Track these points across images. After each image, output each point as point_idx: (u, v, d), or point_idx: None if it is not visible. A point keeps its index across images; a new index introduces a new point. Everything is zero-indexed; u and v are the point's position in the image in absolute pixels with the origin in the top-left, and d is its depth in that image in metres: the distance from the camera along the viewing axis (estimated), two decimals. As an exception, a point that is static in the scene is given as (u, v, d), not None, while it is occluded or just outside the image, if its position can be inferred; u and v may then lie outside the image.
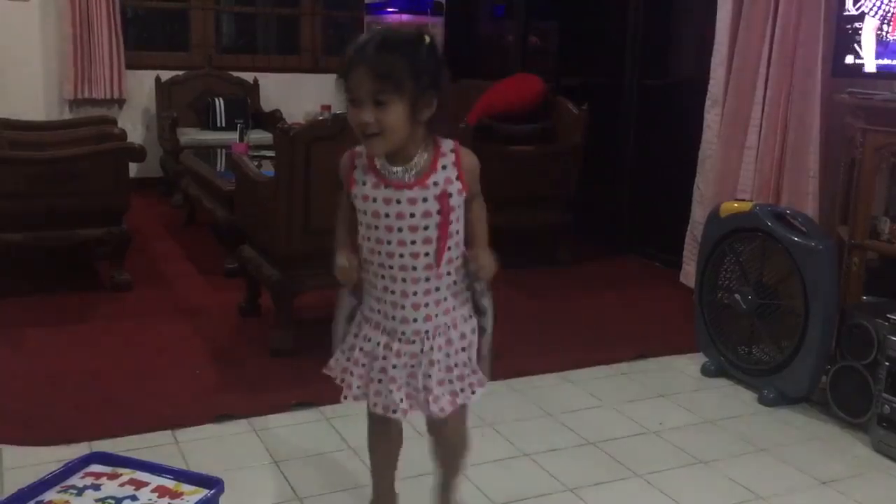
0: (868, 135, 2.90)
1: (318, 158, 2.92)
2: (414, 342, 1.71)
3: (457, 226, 1.68)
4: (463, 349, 1.73)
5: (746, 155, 3.63)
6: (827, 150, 3.36)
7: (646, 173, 4.76)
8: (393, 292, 1.69)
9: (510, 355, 3.14)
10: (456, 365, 1.72)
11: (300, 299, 3.13)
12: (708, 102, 3.86)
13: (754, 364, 2.93)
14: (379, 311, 1.74)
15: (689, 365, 3.14)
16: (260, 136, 5.34)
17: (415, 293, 1.68)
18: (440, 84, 1.58)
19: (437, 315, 1.70)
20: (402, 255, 1.66)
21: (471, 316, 1.75)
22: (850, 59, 3.03)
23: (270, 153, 3.81)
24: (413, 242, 1.65)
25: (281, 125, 3.17)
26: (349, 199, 1.70)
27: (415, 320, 1.70)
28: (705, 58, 3.85)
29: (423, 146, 1.64)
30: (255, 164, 3.74)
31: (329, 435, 2.51)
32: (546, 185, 4.39)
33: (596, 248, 4.78)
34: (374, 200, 1.65)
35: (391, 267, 1.67)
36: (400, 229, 1.64)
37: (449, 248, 1.67)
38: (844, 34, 3.02)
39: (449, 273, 1.70)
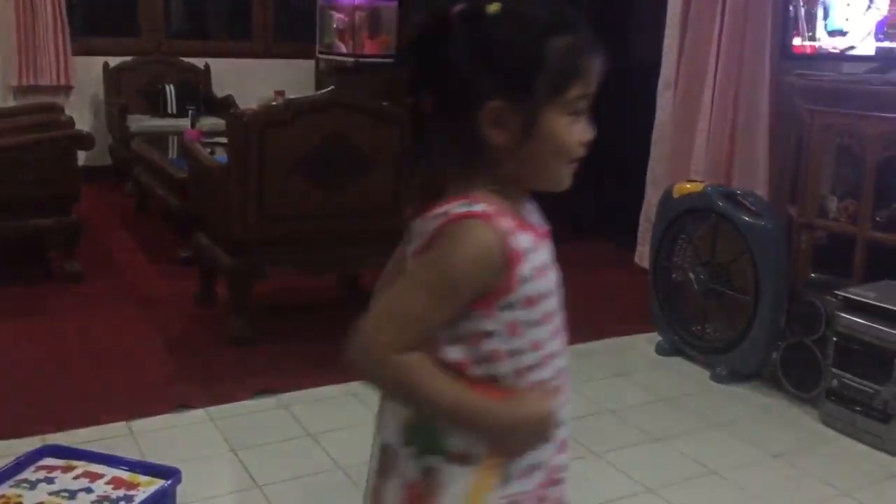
0: (816, 115, 2.96)
1: (271, 144, 2.89)
2: None
3: None
4: None
5: (698, 137, 3.68)
6: (776, 131, 3.42)
7: (601, 156, 4.78)
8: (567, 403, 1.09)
9: (468, 339, 3.16)
10: None
11: (256, 287, 3.10)
12: (661, 85, 3.90)
13: (707, 342, 2.98)
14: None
15: (644, 344, 3.19)
16: (212, 122, 5.26)
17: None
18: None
19: None
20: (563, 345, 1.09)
21: None
22: (797, 42, 3.08)
23: (223, 140, 3.76)
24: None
25: (234, 111, 3.14)
26: (506, 300, 0.99)
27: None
28: (659, 41, 3.88)
29: None
30: (208, 150, 3.69)
31: (288, 423, 2.50)
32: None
33: (554, 231, 4.80)
34: (548, 267, 1.09)
35: (563, 370, 1.08)
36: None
37: None
38: (791, 17, 3.07)
39: None
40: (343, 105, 3.05)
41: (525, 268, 0.99)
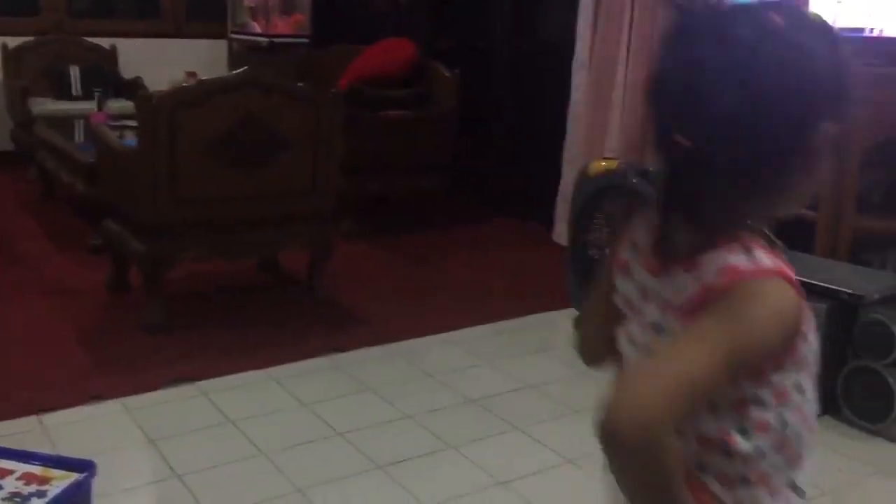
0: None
1: (183, 126, 2.82)
2: None
3: None
4: None
5: (613, 115, 3.74)
6: (686, 109, 3.50)
7: (519, 135, 4.83)
8: None
9: (390, 320, 3.16)
10: None
11: (171, 272, 3.02)
12: (575, 64, 3.95)
13: (624, 316, 3.05)
14: None
15: (563, 320, 3.24)
16: (121, 104, 5.08)
17: None
18: None
19: None
20: None
21: None
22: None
23: (133, 122, 3.64)
24: None
25: (142, 92, 3.05)
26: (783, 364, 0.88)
27: None
28: (573, 21, 3.93)
29: None
30: (117, 134, 3.57)
31: (208, 410, 2.45)
32: (421, 150, 4.39)
33: (472, 211, 4.83)
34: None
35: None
36: None
37: None
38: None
39: None
40: (257, 85, 2.99)
41: (810, 327, 0.88)
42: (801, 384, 0.90)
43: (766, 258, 0.85)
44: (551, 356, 2.94)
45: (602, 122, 3.79)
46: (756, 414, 0.88)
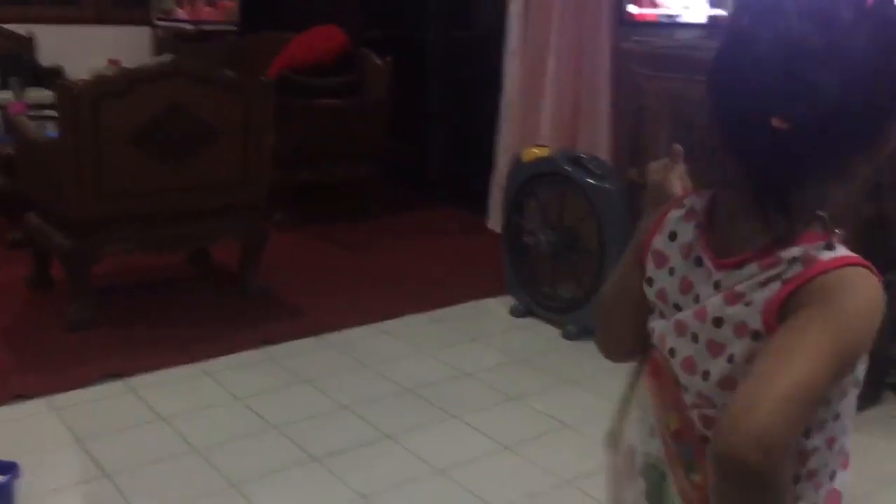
0: (652, 81, 3.09)
1: (106, 116, 2.73)
2: None
3: None
4: None
5: (545, 103, 3.76)
6: (617, 97, 3.55)
7: (453, 124, 4.83)
8: None
9: (324, 310, 3.13)
10: None
11: (97, 266, 2.94)
12: (506, 53, 3.96)
13: (558, 302, 3.09)
14: None
15: (499, 307, 3.26)
16: (40, 94, 4.91)
17: None
18: None
19: None
20: None
21: None
22: (633, 9, 3.20)
23: (53, 112, 3.52)
24: None
25: (63, 81, 2.95)
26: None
27: None
28: (506, 9, 3.93)
29: None
30: (36, 124, 3.44)
31: (137, 406, 2.39)
32: (353, 139, 4.35)
33: (407, 200, 4.82)
34: None
35: None
36: None
37: None
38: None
39: None
40: (183, 74, 2.92)
41: None
42: (859, 378, 0.86)
43: (845, 250, 0.82)
44: (487, 344, 2.95)
45: (534, 110, 3.81)
46: (820, 411, 0.84)
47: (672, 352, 0.90)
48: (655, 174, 1.03)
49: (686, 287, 0.89)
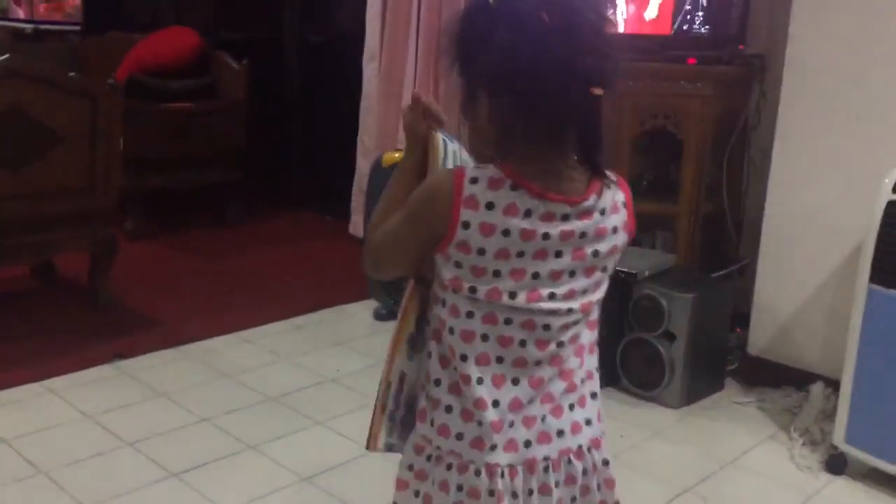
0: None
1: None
2: None
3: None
4: None
5: (404, 106, 3.79)
6: (473, 101, 3.62)
7: (312, 128, 4.78)
8: None
9: (181, 321, 3.03)
10: None
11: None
12: (366, 56, 3.96)
13: (421, 304, 3.11)
14: None
15: (362, 312, 3.25)
16: None
17: None
18: (498, 79, 1.02)
19: None
20: None
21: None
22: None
23: None
24: None
25: None
26: None
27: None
28: (362, 12, 3.93)
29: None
30: None
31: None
32: (209, 143, 4.23)
33: (267, 206, 4.73)
34: None
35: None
36: None
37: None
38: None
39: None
40: (22, 75, 2.75)
41: None
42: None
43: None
44: (350, 348, 2.94)
45: (394, 114, 3.83)
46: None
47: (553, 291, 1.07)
48: (406, 118, 1.16)
49: (528, 235, 1.02)
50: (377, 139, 3.90)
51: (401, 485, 1.16)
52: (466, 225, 1.01)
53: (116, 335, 2.86)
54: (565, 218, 1.03)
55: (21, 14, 5.28)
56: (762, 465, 2.28)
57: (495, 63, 1.00)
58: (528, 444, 1.08)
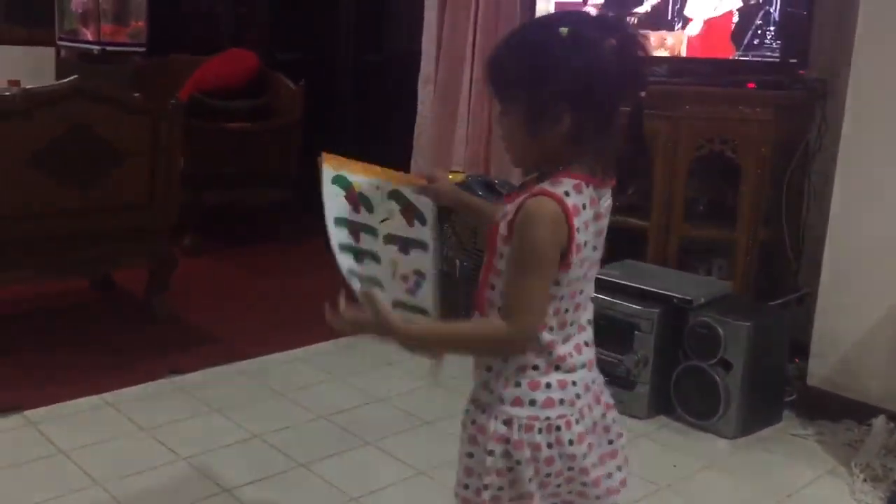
0: (561, 109, 3.17)
1: (5, 137, 2.63)
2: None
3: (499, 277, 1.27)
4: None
5: (458, 129, 3.81)
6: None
7: (366, 149, 4.81)
8: None
9: (235, 338, 3.06)
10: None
11: (-7, 295, 2.81)
12: (421, 79, 4.00)
13: (472, 326, 3.10)
14: None
15: (413, 332, 3.25)
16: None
17: None
18: (577, 93, 1.16)
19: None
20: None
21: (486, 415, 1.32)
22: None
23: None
24: None
25: (-44, 101, 2.82)
26: None
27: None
28: (417, 33, 3.97)
29: (537, 176, 1.26)
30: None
31: (36, 441, 2.28)
32: (265, 162, 4.31)
33: (319, 224, 4.77)
34: None
35: None
36: None
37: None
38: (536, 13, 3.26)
39: None
40: (88, 95, 2.83)
41: None
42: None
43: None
44: (399, 369, 2.94)
45: (448, 135, 3.85)
46: None
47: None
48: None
49: (598, 217, 1.25)
50: (431, 161, 3.92)
51: None
52: (578, 230, 1.19)
53: (172, 350, 2.91)
54: (602, 199, 1.25)
55: (89, 36, 5.44)
56: (820, 501, 2.21)
57: (579, 83, 1.15)
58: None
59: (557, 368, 1.26)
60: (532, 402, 1.26)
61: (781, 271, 2.96)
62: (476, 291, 1.33)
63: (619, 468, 1.36)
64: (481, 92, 3.68)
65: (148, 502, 2.03)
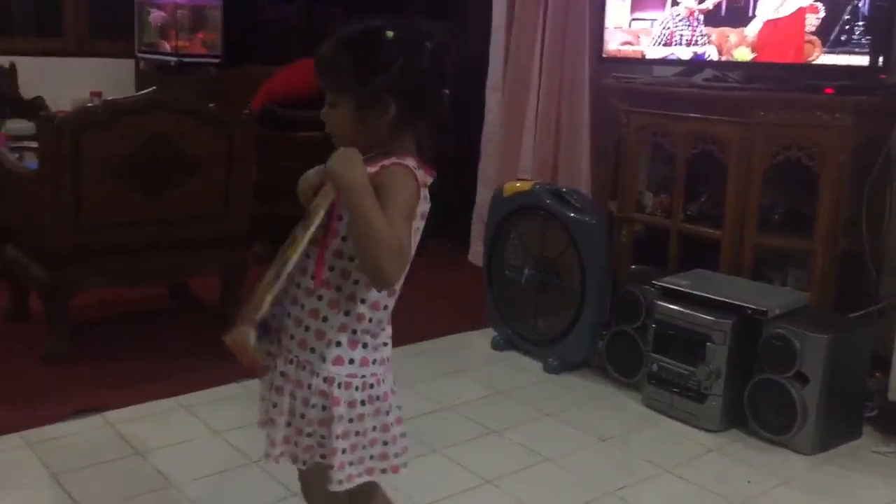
0: (631, 116, 3.13)
1: (87, 148, 2.72)
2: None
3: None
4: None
5: (525, 137, 3.80)
6: (597, 131, 3.59)
7: (434, 156, 4.85)
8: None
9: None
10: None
11: (76, 298, 2.91)
12: (488, 87, 4.00)
13: (539, 335, 3.09)
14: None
15: (480, 340, 3.25)
16: (20, 125, 4.89)
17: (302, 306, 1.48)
18: (401, 87, 1.35)
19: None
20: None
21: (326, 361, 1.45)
22: (613, 46, 3.25)
23: (33, 144, 3.50)
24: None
25: (44, 113, 2.94)
26: None
27: (292, 337, 1.50)
28: (485, 42, 3.98)
29: (376, 155, 1.39)
30: (16, 155, 3.42)
31: (114, 441, 2.36)
32: (335, 171, 4.36)
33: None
34: None
35: (297, 285, 1.49)
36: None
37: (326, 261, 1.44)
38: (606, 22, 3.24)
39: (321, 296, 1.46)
40: (166, 106, 2.92)
41: None
42: None
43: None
44: (468, 377, 2.94)
45: (515, 144, 3.85)
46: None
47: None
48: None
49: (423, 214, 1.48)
50: (498, 169, 3.92)
51: None
52: (424, 198, 1.43)
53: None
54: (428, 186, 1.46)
55: (167, 48, 5.61)
56: (904, 521, 2.13)
57: (402, 79, 1.35)
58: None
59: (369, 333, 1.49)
60: (351, 361, 1.45)
61: (861, 282, 2.87)
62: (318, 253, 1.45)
63: (403, 434, 1.57)
64: (549, 100, 3.66)
65: (220, 503, 2.07)
